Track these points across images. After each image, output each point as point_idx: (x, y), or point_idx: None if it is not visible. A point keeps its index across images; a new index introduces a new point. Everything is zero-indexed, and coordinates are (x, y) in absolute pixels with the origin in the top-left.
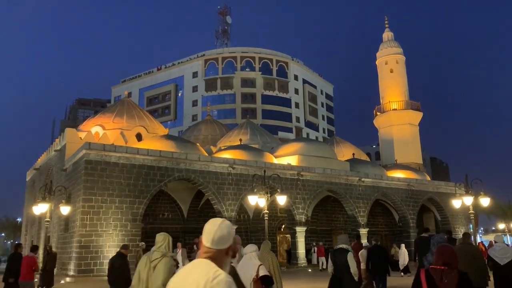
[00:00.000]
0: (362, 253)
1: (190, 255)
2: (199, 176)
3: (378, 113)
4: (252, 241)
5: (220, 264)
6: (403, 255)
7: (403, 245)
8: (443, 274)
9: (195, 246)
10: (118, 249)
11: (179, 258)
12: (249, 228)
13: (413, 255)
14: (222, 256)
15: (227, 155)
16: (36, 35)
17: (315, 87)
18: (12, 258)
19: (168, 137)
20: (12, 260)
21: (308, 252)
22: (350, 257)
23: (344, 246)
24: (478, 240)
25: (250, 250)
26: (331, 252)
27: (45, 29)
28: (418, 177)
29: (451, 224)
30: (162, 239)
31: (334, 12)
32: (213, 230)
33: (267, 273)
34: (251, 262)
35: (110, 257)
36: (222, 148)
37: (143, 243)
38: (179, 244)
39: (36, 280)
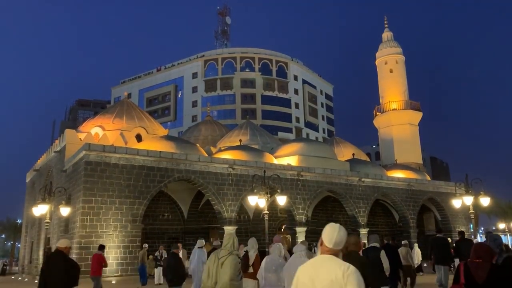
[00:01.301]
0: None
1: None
2: (199, 176)
3: (378, 113)
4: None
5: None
6: (416, 255)
7: (416, 245)
8: (478, 266)
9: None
10: (170, 249)
11: None
12: (249, 229)
13: (429, 254)
14: (338, 254)
15: (227, 155)
16: (36, 36)
17: (314, 87)
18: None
19: (168, 137)
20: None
21: None
22: (382, 254)
23: (376, 244)
24: (479, 239)
25: (300, 249)
26: (363, 250)
27: (45, 30)
28: (418, 177)
29: (451, 224)
30: (228, 239)
31: (334, 12)
32: (334, 235)
33: None
34: (300, 260)
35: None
36: (222, 148)
37: (147, 244)
38: (179, 245)
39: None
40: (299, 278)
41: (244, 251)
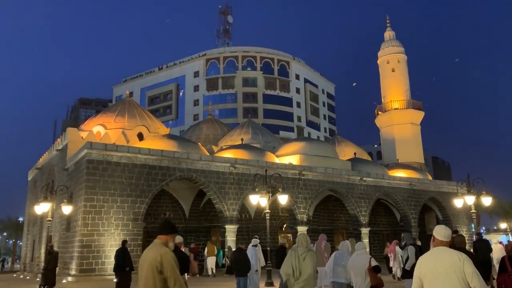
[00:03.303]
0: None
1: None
2: (201, 175)
3: (379, 113)
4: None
5: None
6: None
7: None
8: None
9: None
10: (188, 246)
11: None
12: (251, 228)
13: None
14: (447, 245)
15: (228, 154)
16: (37, 35)
17: (316, 86)
18: (122, 252)
19: (170, 136)
20: (121, 254)
21: None
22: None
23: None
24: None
25: (361, 247)
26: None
27: (46, 29)
28: (420, 177)
29: (453, 223)
30: (301, 238)
31: (336, 11)
32: (444, 232)
33: (376, 264)
34: (364, 256)
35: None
36: (224, 147)
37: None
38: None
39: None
40: (422, 264)
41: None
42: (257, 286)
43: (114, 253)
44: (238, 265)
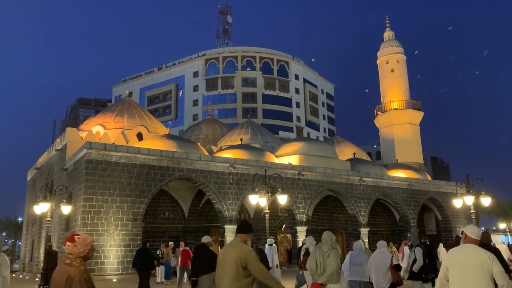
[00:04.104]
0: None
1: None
2: (200, 175)
3: (379, 113)
4: (253, 241)
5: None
6: (443, 254)
7: (441, 244)
8: None
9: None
10: (258, 245)
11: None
12: None
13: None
14: (477, 243)
15: (228, 154)
16: (36, 34)
17: (316, 86)
18: (143, 252)
19: (169, 136)
20: (143, 254)
21: None
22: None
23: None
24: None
25: (382, 245)
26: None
27: (45, 29)
28: (419, 177)
29: (452, 223)
30: (326, 236)
31: (335, 11)
32: (476, 231)
33: (398, 262)
34: (385, 255)
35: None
36: (223, 147)
37: (172, 243)
38: (181, 243)
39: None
40: (450, 259)
41: (304, 249)
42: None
43: (135, 253)
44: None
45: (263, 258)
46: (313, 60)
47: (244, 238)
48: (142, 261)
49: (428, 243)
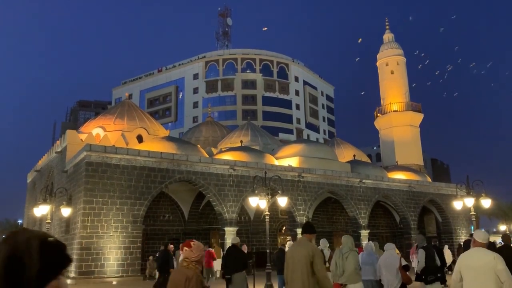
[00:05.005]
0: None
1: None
2: (200, 177)
3: (379, 115)
4: (252, 243)
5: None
6: (447, 256)
7: (446, 246)
8: None
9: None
10: (164, 248)
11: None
12: (250, 230)
13: None
14: (485, 246)
15: (228, 156)
16: (36, 37)
17: (315, 88)
18: (164, 253)
19: (169, 138)
20: (164, 255)
21: None
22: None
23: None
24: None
25: (391, 247)
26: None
27: (45, 31)
28: (419, 179)
29: (452, 225)
30: (346, 239)
31: (335, 13)
32: (483, 236)
33: (406, 263)
34: (393, 256)
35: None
36: (223, 149)
37: (172, 245)
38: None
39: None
40: (463, 259)
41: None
42: None
43: (157, 254)
44: (280, 264)
45: (279, 258)
46: (264, 29)
47: (310, 237)
48: (164, 263)
49: (437, 245)
